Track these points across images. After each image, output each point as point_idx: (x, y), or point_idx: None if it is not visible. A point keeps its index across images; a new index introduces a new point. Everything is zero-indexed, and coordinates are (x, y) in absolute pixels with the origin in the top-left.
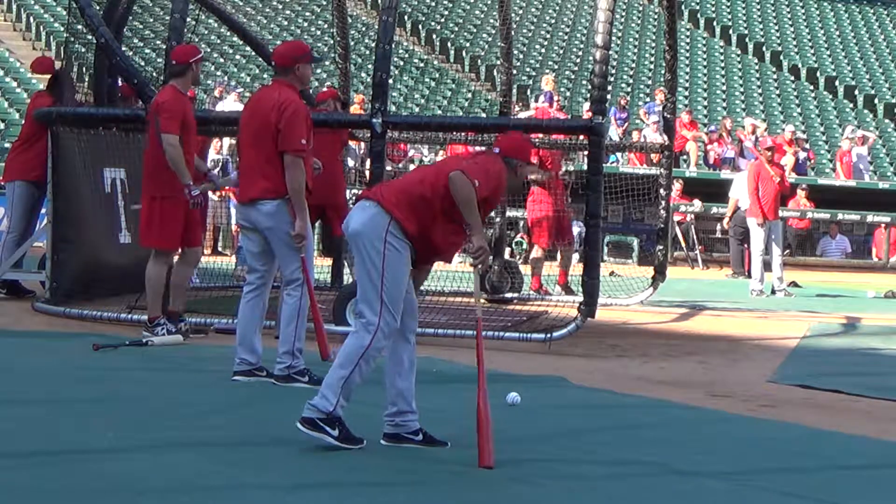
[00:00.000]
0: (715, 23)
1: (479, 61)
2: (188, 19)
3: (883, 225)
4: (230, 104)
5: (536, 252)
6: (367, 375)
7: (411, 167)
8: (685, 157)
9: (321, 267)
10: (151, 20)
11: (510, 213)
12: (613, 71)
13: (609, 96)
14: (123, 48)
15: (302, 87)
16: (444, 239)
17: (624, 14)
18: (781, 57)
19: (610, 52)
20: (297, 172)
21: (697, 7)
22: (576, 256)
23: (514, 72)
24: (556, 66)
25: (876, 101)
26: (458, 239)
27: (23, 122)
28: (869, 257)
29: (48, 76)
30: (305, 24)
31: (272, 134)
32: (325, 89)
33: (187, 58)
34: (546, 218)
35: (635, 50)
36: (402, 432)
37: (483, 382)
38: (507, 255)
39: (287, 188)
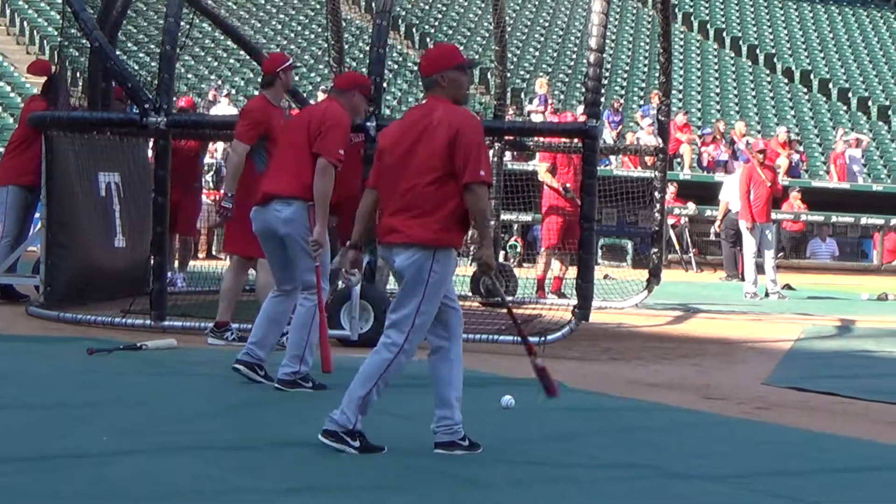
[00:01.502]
0: (709, 25)
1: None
2: (182, 23)
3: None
4: (223, 108)
5: (544, 256)
6: (384, 392)
7: None
8: (679, 159)
9: None
10: (146, 24)
11: (504, 216)
12: (607, 74)
13: (603, 99)
14: (117, 52)
15: (356, 114)
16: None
17: (618, 17)
18: (775, 59)
19: (604, 55)
20: (327, 179)
21: (691, 10)
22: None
23: (509, 75)
24: (549, 70)
25: (870, 103)
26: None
27: (17, 126)
28: (864, 259)
29: (43, 79)
30: (300, 28)
31: (309, 140)
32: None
33: (274, 67)
34: (556, 219)
35: (629, 53)
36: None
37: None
38: (501, 259)
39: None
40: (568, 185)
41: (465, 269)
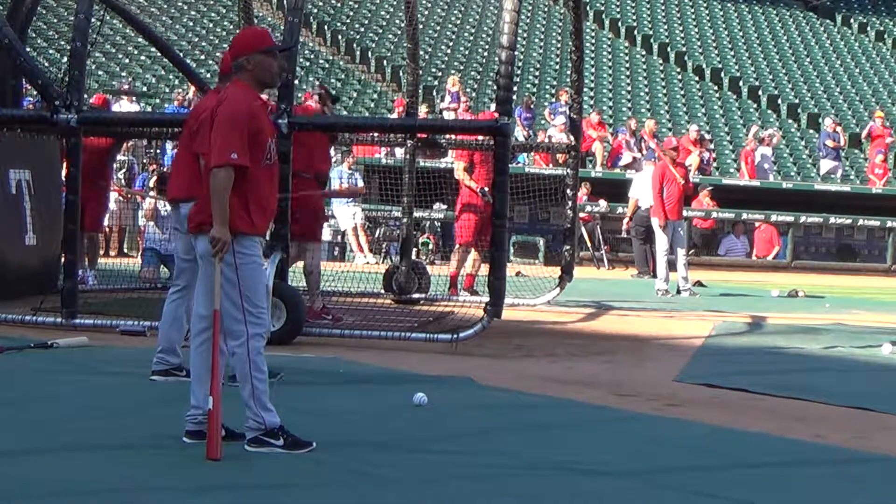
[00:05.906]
0: (620, 23)
1: (385, 62)
2: (93, 20)
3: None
4: (125, 106)
5: (458, 253)
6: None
7: None
8: (591, 158)
9: None
10: (56, 20)
11: (417, 213)
12: (519, 71)
13: (515, 97)
14: (28, 49)
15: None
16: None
17: (529, 14)
18: (686, 57)
19: (515, 53)
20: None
21: (602, 8)
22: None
23: (420, 72)
24: (461, 67)
25: (779, 101)
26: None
27: None
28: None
29: None
30: (211, 25)
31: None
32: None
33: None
34: (471, 217)
35: (541, 50)
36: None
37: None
38: (413, 256)
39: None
40: (486, 189)
41: (374, 267)
